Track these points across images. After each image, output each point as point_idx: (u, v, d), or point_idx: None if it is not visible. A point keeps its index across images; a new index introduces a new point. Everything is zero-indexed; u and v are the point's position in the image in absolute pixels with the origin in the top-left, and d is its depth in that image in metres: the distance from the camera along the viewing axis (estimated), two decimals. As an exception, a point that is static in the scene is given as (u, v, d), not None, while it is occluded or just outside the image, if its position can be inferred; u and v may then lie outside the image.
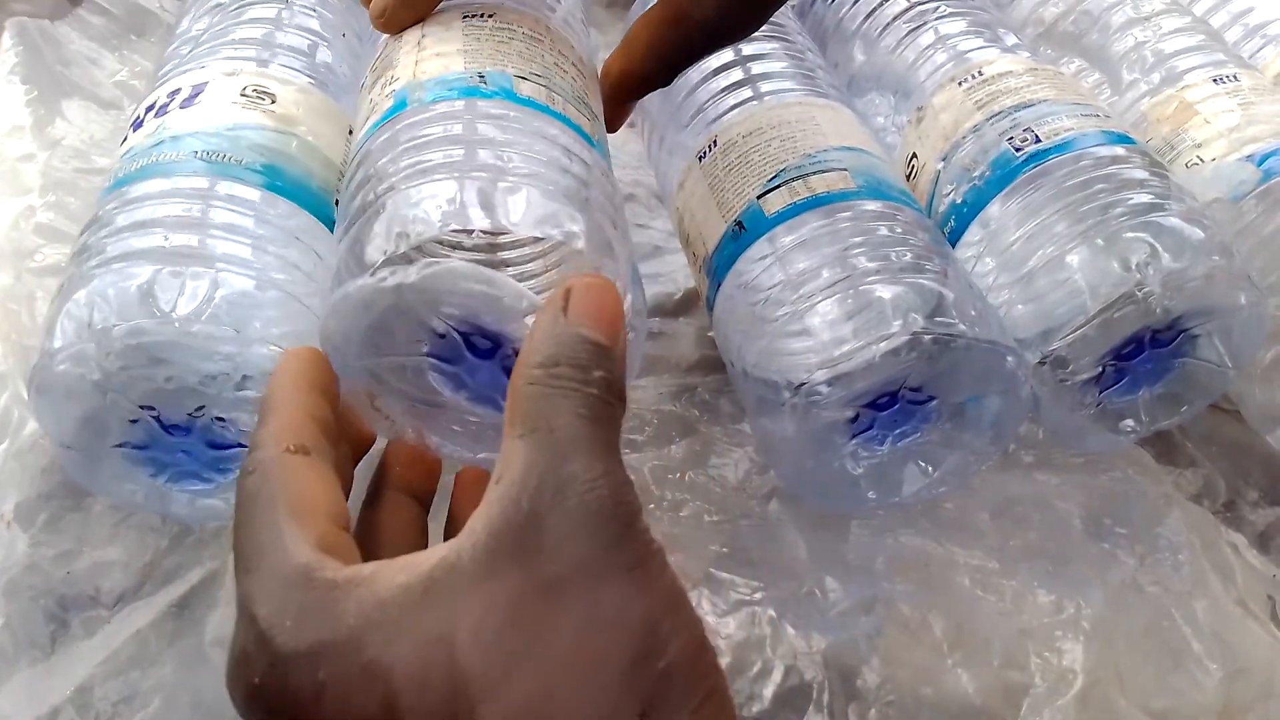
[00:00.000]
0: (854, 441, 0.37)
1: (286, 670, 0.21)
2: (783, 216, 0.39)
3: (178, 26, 0.46)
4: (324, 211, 0.37)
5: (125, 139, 0.38)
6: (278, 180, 0.36)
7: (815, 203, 0.38)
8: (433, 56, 0.34)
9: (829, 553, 0.40)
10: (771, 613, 0.37)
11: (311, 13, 0.45)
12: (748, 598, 0.38)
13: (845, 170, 0.40)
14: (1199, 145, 0.44)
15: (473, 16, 0.37)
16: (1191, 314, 0.38)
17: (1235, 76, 0.46)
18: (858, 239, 0.37)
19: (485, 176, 0.28)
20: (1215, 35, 0.50)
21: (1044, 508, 0.42)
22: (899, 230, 0.38)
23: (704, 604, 0.38)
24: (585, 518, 0.21)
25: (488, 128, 0.30)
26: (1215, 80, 0.45)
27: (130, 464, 0.34)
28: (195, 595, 0.37)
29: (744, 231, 0.39)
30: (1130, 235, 0.37)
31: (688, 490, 0.42)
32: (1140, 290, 0.36)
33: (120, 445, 0.34)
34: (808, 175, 0.39)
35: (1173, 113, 0.45)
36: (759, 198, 0.40)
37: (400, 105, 0.32)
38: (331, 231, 0.36)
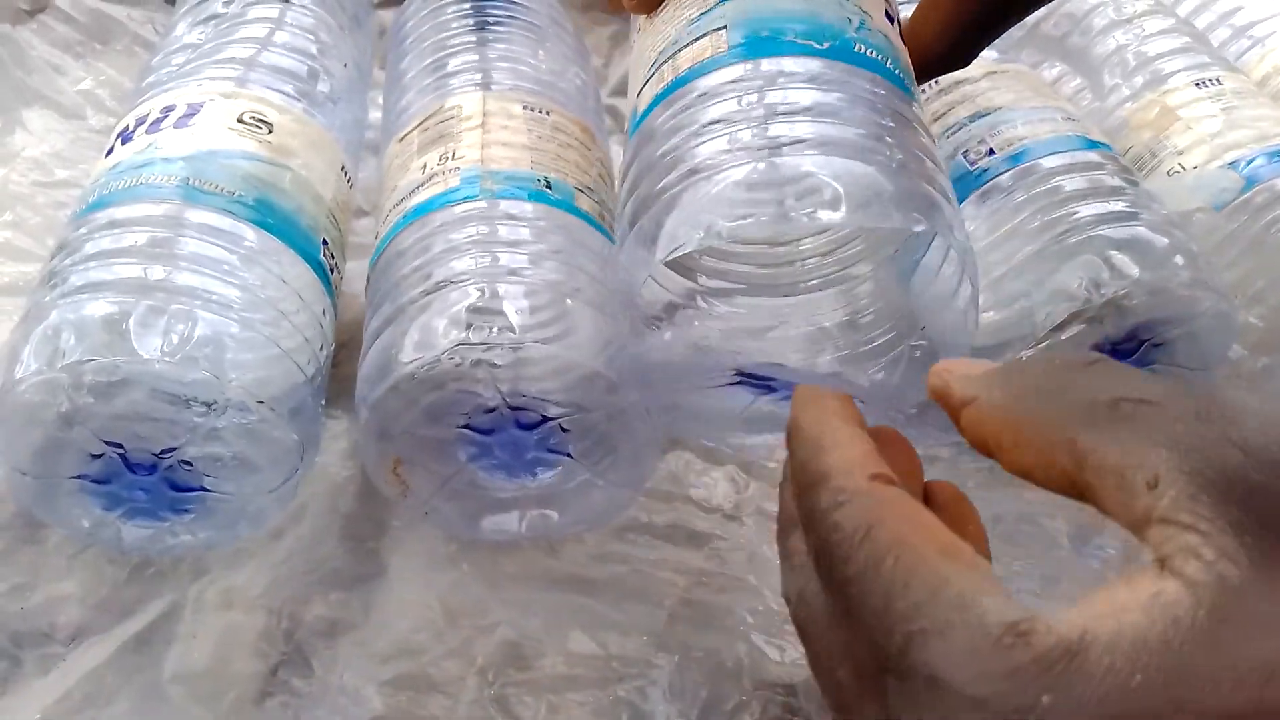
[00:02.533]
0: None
1: None
2: (649, 109, 0.30)
3: (170, 30, 0.45)
4: (308, 250, 0.36)
5: (111, 151, 0.37)
6: (268, 216, 0.35)
7: (677, 84, 0.30)
8: (499, 145, 0.37)
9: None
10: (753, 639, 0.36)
11: (311, 38, 0.44)
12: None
13: (722, 29, 0.30)
14: (1181, 152, 0.43)
15: (532, 109, 0.39)
16: (1148, 325, 0.37)
17: (1218, 80, 0.45)
18: (709, 118, 0.28)
19: (552, 286, 0.33)
20: (1200, 37, 0.49)
21: (1031, 525, 0.41)
22: (768, 85, 0.28)
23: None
24: None
25: (558, 238, 0.34)
26: (1198, 84, 0.44)
27: (84, 495, 0.34)
28: (154, 629, 0.35)
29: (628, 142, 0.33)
30: (1079, 253, 0.36)
31: (664, 503, 0.41)
32: (1089, 308, 0.35)
33: (78, 477, 0.33)
34: (678, 52, 0.30)
35: (1154, 118, 0.44)
36: (637, 97, 0.32)
37: (471, 191, 0.35)
38: (314, 270, 0.36)
